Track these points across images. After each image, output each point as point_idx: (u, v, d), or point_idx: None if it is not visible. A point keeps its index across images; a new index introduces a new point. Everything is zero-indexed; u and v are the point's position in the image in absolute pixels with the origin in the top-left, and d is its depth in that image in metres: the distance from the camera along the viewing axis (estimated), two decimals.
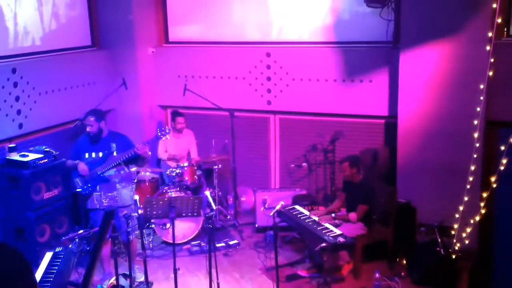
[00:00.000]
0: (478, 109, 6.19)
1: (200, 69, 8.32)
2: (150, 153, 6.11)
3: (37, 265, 4.94)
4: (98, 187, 6.10)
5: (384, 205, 6.70)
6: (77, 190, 6.14)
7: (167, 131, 6.05)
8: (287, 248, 7.13)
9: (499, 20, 6.03)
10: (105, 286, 6.03)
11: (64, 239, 6.00)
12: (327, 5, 7.67)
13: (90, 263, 4.15)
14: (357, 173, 6.53)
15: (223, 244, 7.15)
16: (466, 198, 6.27)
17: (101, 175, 6.04)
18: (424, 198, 6.70)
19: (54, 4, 7.63)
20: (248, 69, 8.07)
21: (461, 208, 6.31)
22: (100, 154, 6.10)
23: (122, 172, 6.09)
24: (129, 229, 5.58)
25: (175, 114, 7.91)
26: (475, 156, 6.24)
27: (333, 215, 6.55)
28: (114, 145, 6.07)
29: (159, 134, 6.05)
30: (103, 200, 6.11)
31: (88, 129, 6.09)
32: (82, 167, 6.07)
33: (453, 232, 6.37)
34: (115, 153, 6.04)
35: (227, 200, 8.22)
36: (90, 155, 6.12)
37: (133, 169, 6.84)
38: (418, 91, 6.68)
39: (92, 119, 6.07)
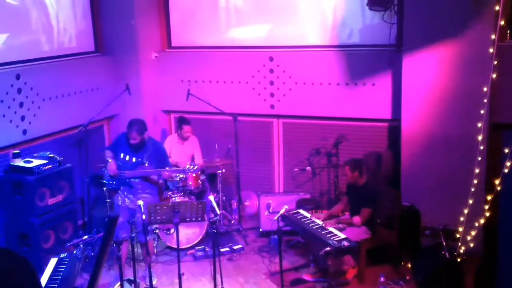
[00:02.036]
0: (482, 111, 6.18)
1: (203, 74, 8.33)
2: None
3: (41, 271, 4.94)
4: (121, 188, 6.34)
5: (388, 208, 6.69)
6: (104, 182, 6.48)
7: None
8: (291, 252, 7.12)
9: (502, 23, 6.03)
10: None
11: (68, 245, 6.01)
12: (329, 9, 7.68)
13: (95, 268, 4.15)
14: (359, 177, 6.52)
15: (227, 249, 7.15)
16: (470, 201, 6.26)
17: (128, 180, 6.27)
18: (429, 201, 6.69)
19: (58, 11, 7.66)
20: (251, 74, 8.08)
21: (465, 211, 6.29)
22: (134, 159, 6.28)
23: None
24: (133, 235, 5.60)
25: (182, 122, 7.84)
26: (479, 158, 6.23)
27: (337, 219, 6.53)
28: (146, 155, 6.29)
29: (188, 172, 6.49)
30: (126, 200, 6.33)
31: (131, 141, 6.24)
32: (111, 167, 6.30)
33: (457, 235, 6.35)
34: (146, 164, 6.22)
35: (231, 204, 8.21)
36: (124, 156, 6.31)
37: None
38: (421, 94, 6.68)
39: (134, 133, 6.20)
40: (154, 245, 7.19)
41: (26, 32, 7.20)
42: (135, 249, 6.39)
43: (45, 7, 7.45)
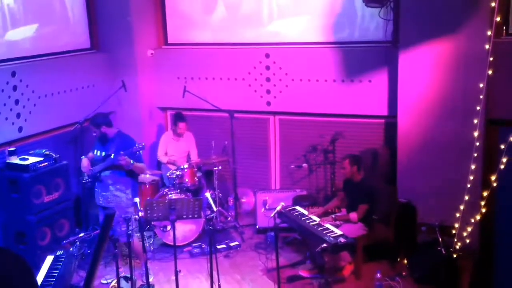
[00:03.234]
0: (478, 108, 6.19)
1: (200, 71, 8.32)
2: (131, 161, 6.04)
3: (38, 269, 4.94)
4: (96, 184, 6.32)
5: (384, 205, 6.70)
6: (83, 181, 6.40)
7: None
8: (288, 249, 7.12)
9: (498, 19, 6.04)
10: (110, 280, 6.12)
11: (65, 243, 6.00)
12: (326, 5, 7.67)
13: (91, 266, 4.15)
14: (357, 172, 6.52)
15: (224, 246, 7.15)
16: (466, 197, 6.27)
17: (98, 174, 6.22)
18: (425, 197, 6.69)
19: (54, 7, 7.63)
20: (248, 70, 8.07)
21: (461, 207, 6.30)
22: (103, 154, 6.25)
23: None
24: (129, 232, 5.59)
25: (177, 119, 7.83)
26: (475, 155, 6.24)
27: (333, 216, 6.54)
28: (113, 149, 6.18)
29: None
30: (100, 198, 6.31)
31: (93, 133, 6.34)
32: (83, 163, 6.34)
33: (454, 231, 6.37)
34: (112, 155, 6.12)
35: (228, 201, 8.21)
36: (97, 153, 6.33)
37: None
38: (417, 90, 6.68)
39: (90, 126, 6.33)
40: (151, 242, 7.19)
41: (22, 29, 7.17)
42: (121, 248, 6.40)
43: (41, 4, 7.42)
